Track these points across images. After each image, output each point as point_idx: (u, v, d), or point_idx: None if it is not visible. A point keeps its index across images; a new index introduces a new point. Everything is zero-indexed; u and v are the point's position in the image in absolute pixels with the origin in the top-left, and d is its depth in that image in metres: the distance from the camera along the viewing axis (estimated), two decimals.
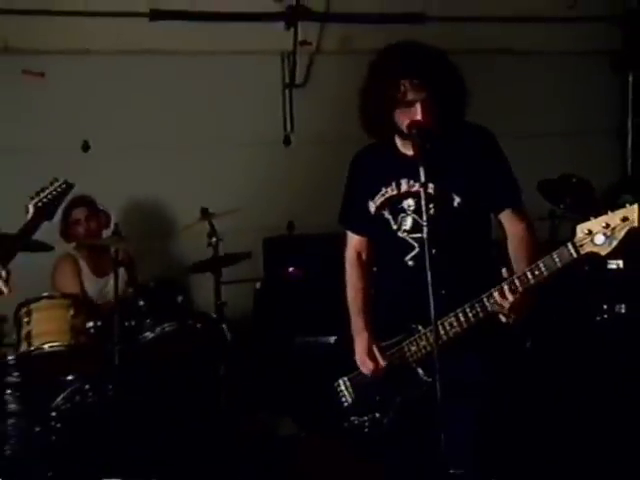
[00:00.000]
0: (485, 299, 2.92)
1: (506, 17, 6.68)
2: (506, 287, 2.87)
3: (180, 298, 5.04)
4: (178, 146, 6.39)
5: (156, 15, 6.26)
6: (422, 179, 2.85)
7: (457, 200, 3.06)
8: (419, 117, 2.95)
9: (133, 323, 4.79)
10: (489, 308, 2.93)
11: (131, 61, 6.33)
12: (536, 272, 2.82)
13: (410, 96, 2.94)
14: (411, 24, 5.92)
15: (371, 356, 3.21)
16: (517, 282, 2.85)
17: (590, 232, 2.68)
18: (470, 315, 2.96)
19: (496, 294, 2.90)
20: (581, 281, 5.28)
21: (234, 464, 4.69)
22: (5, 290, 2.96)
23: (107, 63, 6.28)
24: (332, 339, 3.71)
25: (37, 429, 4.57)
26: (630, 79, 7.29)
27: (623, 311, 5.23)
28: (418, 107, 2.95)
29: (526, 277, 2.84)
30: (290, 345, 5.55)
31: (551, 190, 5.70)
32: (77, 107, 6.20)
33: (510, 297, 2.86)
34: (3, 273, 2.92)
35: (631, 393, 4.88)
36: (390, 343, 3.20)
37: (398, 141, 3.15)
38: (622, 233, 2.64)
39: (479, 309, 2.95)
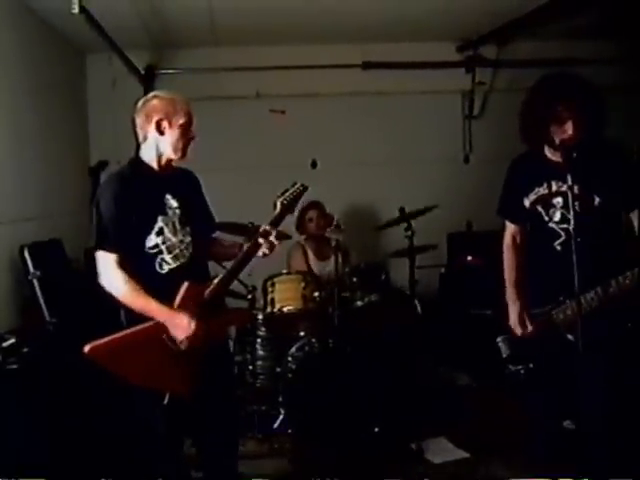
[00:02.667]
0: (621, 279, 2.90)
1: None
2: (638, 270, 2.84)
3: (383, 277, 5.02)
4: (384, 163, 6.48)
5: (367, 65, 6.43)
6: (569, 182, 2.85)
7: (597, 200, 3.02)
8: (570, 133, 2.93)
9: (348, 294, 4.82)
10: (623, 287, 2.90)
11: (348, 100, 6.48)
12: None
13: (564, 115, 2.92)
14: (563, 66, 5.79)
15: (521, 321, 3.24)
16: None
17: None
18: (608, 291, 2.93)
19: (629, 274, 2.87)
20: None
21: (421, 408, 4.72)
22: (277, 243, 3.14)
23: (330, 102, 6.47)
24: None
25: (278, 369, 4.75)
26: None
27: None
28: (570, 124, 2.93)
29: None
30: (467, 316, 5.55)
31: None
32: (308, 135, 6.44)
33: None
34: (274, 232, 3.11)
35: None
36: (542, 311, 3.18)
37: (548, 151, 3.13)
38: None
39: (615, 287, 2.91)
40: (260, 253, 3.13)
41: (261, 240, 3.09)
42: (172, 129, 3.06)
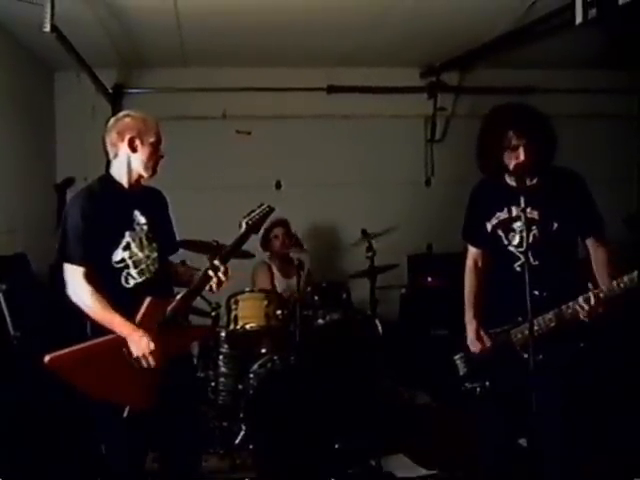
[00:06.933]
0: (575, 302, 2.94)
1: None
2: (591, 295, 2.90)
3: (344, 296, 5.09)
4: (347, 185, 6.53)
5: (332, 89, 6.49)
6: (522, 205, 2.93)
7: (555, 225, 3.08)
8: (522, 158, 3.01)
9: (310, 312, 4.87)
10: (576, 310, 2.94)
11: (312, 123, 6.55)
12: (621, 284, 2.85)
13: (514, 142, 3.00)
14: (523, 95, 5.96)
15: (479, 338, 3.28)
16: (606, 291, 2.89)
17: None
18: (565, 314, 2.98)
19: (581, 300, 2.92)
20: None
21: (381, 426, 4.72)
22: (225, 281, 3.12)
23: (295, 124, 6.52)
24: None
25: (240, 386, 4.71)
26: None
27: None
28: (521, 150, 3.01)
29: (612, 287, 2.87)
30: (427, 336, 5.59)
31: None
32: (273, 156, 6.46)
33: (592, 303, 2.89)
34: (222, 268, 3.09)
35: None
36: (500, 331, 3.21)
37: (507, 177, 3.19)
38: None
39: (571, 310, 2.97)
40: (207, 287, 3.13)
41: (211, 273, 3.09)
42: (144, 147, 3.11)
